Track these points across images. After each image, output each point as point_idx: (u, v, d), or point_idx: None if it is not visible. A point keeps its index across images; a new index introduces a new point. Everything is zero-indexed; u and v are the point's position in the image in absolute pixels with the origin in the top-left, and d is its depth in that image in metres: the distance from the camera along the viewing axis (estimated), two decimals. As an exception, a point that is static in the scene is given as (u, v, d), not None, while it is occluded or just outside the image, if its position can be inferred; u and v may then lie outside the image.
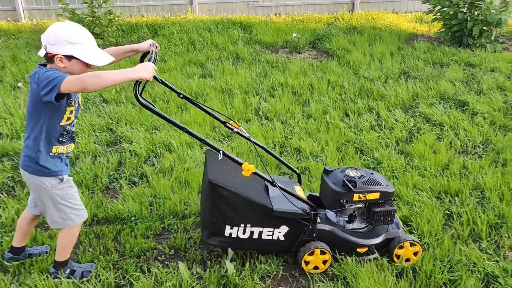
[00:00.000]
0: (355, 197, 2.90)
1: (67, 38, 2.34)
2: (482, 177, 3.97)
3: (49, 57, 2.40)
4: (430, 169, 4.12)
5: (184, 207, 3.59)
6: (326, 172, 3.07)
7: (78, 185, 3.80)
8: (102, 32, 7.20)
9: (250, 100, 5.56)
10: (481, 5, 7.61)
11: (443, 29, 8.16)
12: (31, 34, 8.27)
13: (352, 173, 3.00)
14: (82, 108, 5.18)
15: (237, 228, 2.81)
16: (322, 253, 2.89)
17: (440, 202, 3.69)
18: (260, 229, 2.84)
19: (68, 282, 2.80)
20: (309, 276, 2.93)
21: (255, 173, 2.67)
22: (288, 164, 3.44)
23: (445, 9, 7.92)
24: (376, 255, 3.02)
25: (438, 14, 8.14)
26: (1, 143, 4.44)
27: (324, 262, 2.93)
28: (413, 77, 6.45)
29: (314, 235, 2.93)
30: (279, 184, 2.80)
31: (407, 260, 3.00)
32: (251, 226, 2.82)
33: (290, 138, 4.70)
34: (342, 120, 5.18)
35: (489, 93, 5.83)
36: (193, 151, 4.38)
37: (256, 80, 6.29)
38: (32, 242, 3.16)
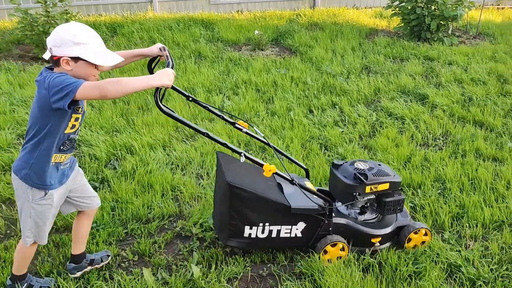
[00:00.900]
0: (367, 189, 2.95)
1: (72, 38, 2.21)
2: (443, 169, 4.06)
3: (55, 60, 2.27)
4: (393, 162, 4.18)
5: (148, 211, 3.50)
6: (335, 166, 3.10)
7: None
8: (58, 32, 6.94)
9: (214, 99, 5.49)
10: (437, 0, 7.80)
11: (402, 24, 8.32)
12: (-18, 35, 7.90)
13: (361, 165, 3.05)
14: (87, 114, 4.98)
15: (256, 228, 2.82)
16: (334, 245, 2.94)
17: (404, 195, 3.74)
18: (278, 227, 2.86)
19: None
20: (276, 275, 2.90)
21: (276, 173, 2.68)
22: (295, 160, 3.40)
23: (404, 4, 8.08)
24: (388, 244, 3.10)
25: (397, 9, 8.30)
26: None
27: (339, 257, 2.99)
28: (375, 72, 6.54)
29: (330, 229, 2.97)
30: (298, 182, 2.81)
31: (414, 247, 3.10)
32: (269, 225, 2.84)
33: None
34: (306, 116, 5.19)
35: (447, 85, 5.98)
36: (156, 153, 4.28)
37: (219, 78, 6.22)
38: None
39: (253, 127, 2.97)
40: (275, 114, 5.20)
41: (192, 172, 4.03)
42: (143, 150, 4.31)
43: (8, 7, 8.49)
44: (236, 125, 2.92)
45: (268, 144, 2.90)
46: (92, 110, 5.16)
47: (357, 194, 2.97)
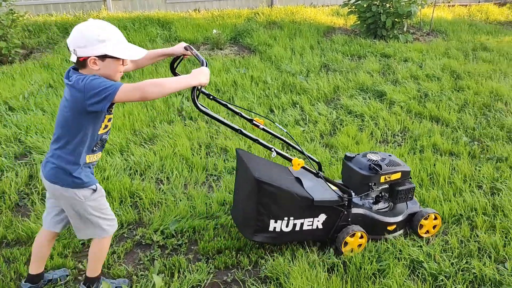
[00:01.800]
0: (382, 179, 3.06)
1: (96, 37, 2.15)
2: (402, 165, 4.11)
3: (81, 62, 2.19)
4: (354, 160, 4.19)
5: (105, 220, 3.35)
6: (348, 158, 3.19)
7: (-18, 205, 3.43)
8: (5, 33, 6.59)
9: (172, 100, 5.36)
10: (392, -2, 7.96)
11: (359, 22, 8.44)
12: None
13: (374, 157, 3.16)
14: (39, 119, 4.74)
15: (280, 222, 2.86)
16: (361, 236, 3.03)
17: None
18: (302, 220, 2.91)
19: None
20: (241, 281, 2.84)
21: (303, 167, 2.76)
22: (306, 153, 3.35)
23: (359, 2, 8.19)
24: (402, 231, 3.22)
25: (353, 7, 8.41)
26: None
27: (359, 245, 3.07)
28: (333, 70, 6.59)
29: (349, 219, 3.04)
30: (323, 175, 2.90)
31: (427, 232, 3.22)
32: (294, 219, 2.89)
33: (215, 138, 4.58)
34: (267, 116, 5.15)
35: (404, 82, 6.10)
36: (113, 158, 4.12)
37: (178, 79, 6.08)
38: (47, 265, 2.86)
39: (274, 122, 3.23)
40: (237, 115, 5.11)
41: (152, 177, 3.90)
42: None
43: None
44: (254, 121, 2.89)
45: (288, 140, 3.12)
46: (43, 115, 4.92)
47: (373, 184, 3.08)
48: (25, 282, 2.71)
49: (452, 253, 3.07)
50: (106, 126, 2.37)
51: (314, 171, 2.88)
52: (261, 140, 2.69)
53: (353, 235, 2.99)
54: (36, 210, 3.42)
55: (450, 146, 4.47)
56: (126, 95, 2.10)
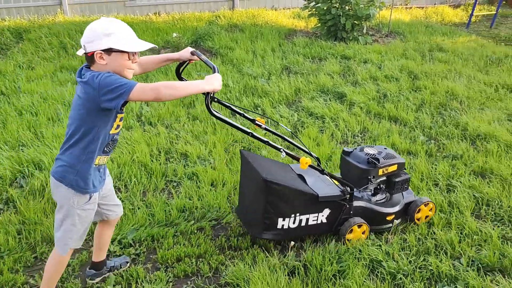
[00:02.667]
0: (380, 171, 3.19)
1: (102, 31, 2.18)
2: (362, 165, 4.16)
3: (90, 57, 2.22)
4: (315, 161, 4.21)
5: (60, 231, 3.23)
6: (346, 153, 3.32)
7: None
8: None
9: (131, 106, 5.24)
10: (351, 1, 8.07)
11: (319, 24, 8.53)
12: None
13: (371, 150, 3.27)
14: None
15: (288, 219, 2.97)
16: (359, 226, 3.15)
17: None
18: (307, 216, 3.03)
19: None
20: (201, 289, 2.80)
21: (310, 165, 2.87)
22: (305, 149, 3.36)
23: (319, 5, 8.28)
24: (400, 220, 3.35)
25: (314, 9, 8.49)
26: None
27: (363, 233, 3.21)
28: (295, 72, 6.62)
29: (351, 212, 3.16)
30: (328, 172, 3.06)
31: (427, 217, 3.40)
32: (299, 215, 3.00)
33: (176, 143, 4.51)
34: (270, 117, 5.08)
35: (363, 83, 6.19)
36: (68, 166, 3.98)
37: (137, 83, 5.96)
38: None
39: (278, 123, 3.44)
40: (197, 119, 5.07)
41: (109, 185, 3.79)
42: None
43: None
44: (256, 121, 2.89)
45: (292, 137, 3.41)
46: (-6, 123, 4.71)
47: (372, 177, 3.20)
48: (89, 269, 2.84)
49: (410, 251, 3.11)
50: (118, 126, 2.37)
51: (320, 169, 3.03)
52: (270, 142, 2.80)
53: (359, 226, 3.14)
54: None
55: (408, 146, 4.55)
56: (140, 94, 2.12)
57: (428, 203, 3.36)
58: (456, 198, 3.66)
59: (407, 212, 3.37)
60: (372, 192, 3.36)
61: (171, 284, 2.82)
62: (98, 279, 2.82)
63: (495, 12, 10.33)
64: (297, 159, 2.86)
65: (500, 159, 4.28)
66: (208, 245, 3.15)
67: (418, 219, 3.38)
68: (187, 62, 2.76)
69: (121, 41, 2.21)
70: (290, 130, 3.51)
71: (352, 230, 3.12)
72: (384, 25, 9.40)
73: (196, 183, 3.87)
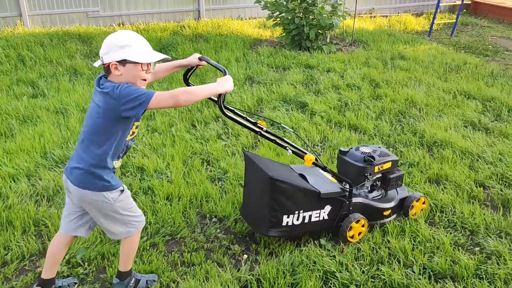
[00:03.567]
0: (376, 169, 3.36)
1: (117, 43, 2.32)
2: (320, 175, 4.16)
3: (106, 68, 2.36)
4: (274, 172, 4.19)
5: (5, 253, 3.11)
6: (343, 152, 3.48)
7: None
8: None
9: (89, 119, 5.12)
10: (314, 11, 8.16)
11: (284, 34, 8.58)
12: None
13: (366, 149, 3.45)
14: None
15: (292, 216, 3.08)
16: (358, 221, 3.28)
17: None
18: (310, 212, 3.16)
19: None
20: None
21: (314, 162, 3.03)
22: (310, 148, 3.60)
23: (283, 14, 8.33)
24: (395, 215, 3.52)
25: (278, 19, 8.53)
26: None
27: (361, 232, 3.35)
28: (258, 82, 6.62)
29: (351, 208, 3.29)
30: (330, 169, 3.21)
31: (421, 210, 3.61)
32: (303, 212, 3.12)
33: (133, 157, 4.42)
34: (189, 131, 5.06)
35: (325, 92, 6.23)
36: (18, 184, 3.85)
37: (97, 96, 5.84)
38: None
39: (280, 124, 3.94)
40: (156, 131, 5.00)
41: (60, 203, 3.68)
42: (2, 182, 3.85)
43: None
44: (257, 124, 3.02)
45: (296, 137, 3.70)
46: None
47: (368, 174, 3.35)
48: (36, 286, 2.72)
49: (364, 260, 3.12)
50: (133, 133, 2.50)
51: (322, 165, 3.18)
52: (278, 140, 2.96)
53: (358, 221, 3.26)
54: None
55: (367, 154, 4.58)
56: (159, 102, 2.28)
57: (419, 198, 3.54)
58: (411, 206, 3.69)
59: (402, 207, 3.55)
60: (369, 189, 3.51)
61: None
62: None
63: (455, 21, 10.61)
64: (302, 157, 3.02)
65: (455, 165, 4.36)
66: (160, 261, 3.08)
67: (414, 215, 3.57)
68: (194, 68, 2.90)
69: (135, 52, 2.34)
70: (293, 131, 3.84)
71: (351, 227, 3.24)
72: (348, 34, 9.53)
73: (152, 197, 3.79)
